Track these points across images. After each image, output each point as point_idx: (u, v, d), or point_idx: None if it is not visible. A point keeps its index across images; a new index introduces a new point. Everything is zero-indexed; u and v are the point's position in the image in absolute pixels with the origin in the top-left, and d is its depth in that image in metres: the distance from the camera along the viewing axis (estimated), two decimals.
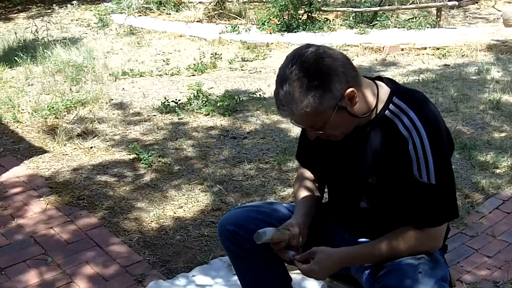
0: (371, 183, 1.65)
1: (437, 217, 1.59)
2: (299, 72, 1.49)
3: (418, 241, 1.60)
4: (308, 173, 1.92)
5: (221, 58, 6.53)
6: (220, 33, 7.62)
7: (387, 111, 1.60)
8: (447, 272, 1.61)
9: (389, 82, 1.67)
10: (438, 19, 7.69)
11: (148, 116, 4.73)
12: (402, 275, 1.54)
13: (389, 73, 5.70)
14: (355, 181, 1.68)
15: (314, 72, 1.49)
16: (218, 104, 4.78)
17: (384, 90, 1.63)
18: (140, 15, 8.88)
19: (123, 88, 5.44)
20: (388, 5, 8.36)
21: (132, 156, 3.91)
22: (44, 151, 4.04)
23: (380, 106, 1.61)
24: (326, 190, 1.93)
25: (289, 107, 1.51)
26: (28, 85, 5.52)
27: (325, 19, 8.03)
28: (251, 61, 6.50)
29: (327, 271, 1.65)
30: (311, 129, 1.58)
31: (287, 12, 7.82)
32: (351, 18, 8.06)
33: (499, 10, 8.41)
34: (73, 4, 9.62)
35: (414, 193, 1.57)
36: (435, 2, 7.81)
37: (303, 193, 1.87)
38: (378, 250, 1.61)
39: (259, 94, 5.15)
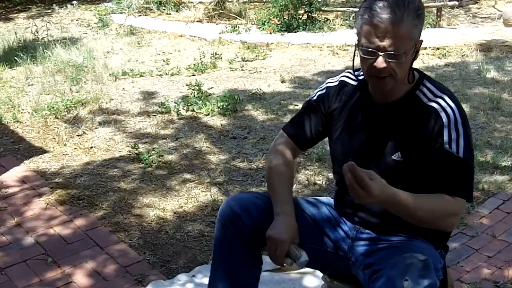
0: (395, 159, 1.67)
1: (464, 189, 1.64)
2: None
3: (452, 207, 1.61)
4: (287, 153, 1.88)
5: (221, 58, 6.52)
6: (220, 33, 7.61)
7: (417, 91, 1.69)
8: (436, 279, 1.58)
9: (418, 71, 1.77)
10: (438, 19, 7.68)
11: (148, 116, 4.73)
12: (388, 282, 1.53)
13: None
14: (376, 161, 1.67)
15: (421, 5, 1.60)
16: (218, 104, 4.78)
17: (416, 73, 1.72)
18: (140, 15, 8.87)
19: (123, 88, 5.44)
20: None
21: (132, 156, 3.92)
22: (44, 151, 4.04)
23: (410, 86, 1.70)
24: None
25: (398, 12, 1.54)
26: (28, 85, 5.52)
27: (325, 19, 8.02)
28: (251, 61, 6.50)
29: (379, 197, 1.51)
30: (393, 51, 1.57)
31: (287, 12, 7.81)
32: (351, 18, 8.05)
33: (499, 10, 8.40)
34: (73, 4, 9.60)
35: (443, 163, 1.61)
36: (435, 2, 7.80)
37: (284, 182, 1.83)
38: (420, 201, 1.59)
39: (259, 94, 5.15)
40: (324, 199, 1.99)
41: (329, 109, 1.84)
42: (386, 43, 1.56)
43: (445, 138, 1.62)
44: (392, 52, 1.57)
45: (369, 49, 1.58)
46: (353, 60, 1.76)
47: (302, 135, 1.89)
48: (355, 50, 1.67)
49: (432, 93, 1.69)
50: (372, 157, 1.70)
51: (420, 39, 1.63)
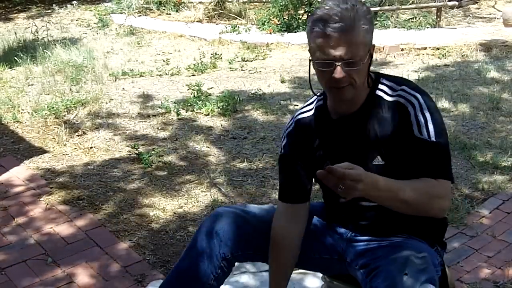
0: (377, 164, 1.66)
1: (444, 171, 1.64)
2: (356, 0, 1.58)
3: (436, 188, 1.60)
4: (289, 228, 1.83)
5: (221, 58, 6.52)
6: (220, 33, 7.62)
7: (377, 90, 1.69)
8: (434, 274, 1.59)
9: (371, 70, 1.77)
10: (438, 19, 7.68)
11: (148, 116, 4.73)
12: (388, 277, 1.54)
13: (389, 73, 5.69)
14: None
15: (369, 9, 1.60)
16: (218, 104, 4.78)
17: (372, 75, 1.72)
18: (140, 15, 8.87)
19: (123, 88, 5.44)
20: (388, 5, 8.35)
21: (132, 156, 3.92)
22: (44, 151, 4.04)
23: (369, 89, 1.70)
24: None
25: (348, 20, 1.53)
26: (28, 85, 5.52)
27: None
28: (251, 61, 6.50)
29: (366, 180, 1.48)
30: (349, 59, 1.55)
31: (287, 12, 7.82)
32: None
33: (499, 10, 8.40)
34: (73, 4, 9.60)
35: (418, 151, 1.61)
36: (435, 2, 7.80)
37: (278, 268, 1.85)
38: (402, 182, 1.58)
39: (259, 94, 5.15)
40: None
41: (300, 150, 1.80)
42: (341, 52, 1.54)
43: (414, 126, 1.62)
44: (349, 60, 1.55)
45: (326, 61, 1.56)
46: (309, 76, 1.70)
47: (297, 191, 1.83)
48: (309, 66, 1.64)
49: (392, 88, 1.68)
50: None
51: (373, 43, 1.62)
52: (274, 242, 1.83)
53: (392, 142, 1.65)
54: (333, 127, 1.74)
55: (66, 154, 4.02)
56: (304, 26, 7.70)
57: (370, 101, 1.68)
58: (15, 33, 7.49)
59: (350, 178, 1.46)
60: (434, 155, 1.62)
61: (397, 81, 1.71)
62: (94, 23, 8.56)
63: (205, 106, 4.76)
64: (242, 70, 6.15)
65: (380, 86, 1.70)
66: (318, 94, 1.81)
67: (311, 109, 1.81)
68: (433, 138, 1.61)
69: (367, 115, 1.68)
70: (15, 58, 6.23)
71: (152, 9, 9.10)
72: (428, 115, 1.62)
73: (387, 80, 1.72)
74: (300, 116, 1.83)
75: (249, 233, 1.83)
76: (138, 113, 4.79)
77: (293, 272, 1.99)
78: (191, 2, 9.13)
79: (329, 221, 1.88)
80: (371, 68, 1.70)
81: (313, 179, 1.84)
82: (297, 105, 4.86)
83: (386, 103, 1.67)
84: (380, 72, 1.78)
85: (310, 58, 1.62)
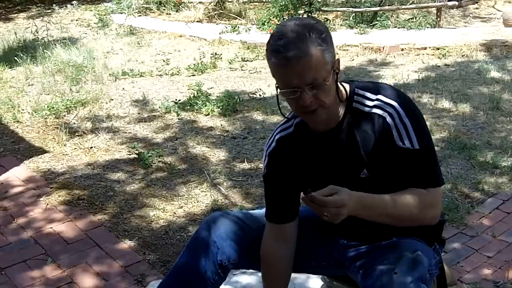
0: (364, 177, 1.65)
1: (432, 178, 1.63)
2: (308, 22, 1.55)
3: (426, 198, 1.61)
4: (277, 248, 1.81)
5: (221, 58, 6.52)
6: (220, 33, 7.61)
7: (354, 103, 1.66)
8: (426, 273, 1.59)
9: (347, 81, 1.74)
10: (438, 19, 7.68)
11: (148, 116, 4.73)
12: (379, 276, 1.54)
13: (389, 73, 5.70)
14: (347, 186, 1.62)
15: (323, 28, 1.56)
16: (218, 104, 4.78)
17: (345, 86, 1.69)
18: (140, 15, 8.86)
19: (123, 88, 5.44)
20: (388, 5, 8.35)
21: (132, 156, 3.92)
22: (44, 151, 4.04)
23: (345, 103, 1.67)
24: None
25: (301, 45, 1.50)
26: (28, 85, 5.52)
27: (325, 19, 8.02)
28: (251, 61, 6.50)
29: (350, 202, 1.51)
30: (312, 83, 1.53)
31: (287, 12, 7.81)
32: (351, 18, 8.06)
33: (499, 10, 8.40)
34: (73, 4, 9.59)
35: (404, 162, 1.60)
36: (435, 2, 7.80)
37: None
38: (391, 197, 1.59)
39: (259, 94, 5.15)
40: None
41: (284, 169, 1.77)
42: (302, 78, 1.52)
43: (395, 137, 1.60)
44: (311, 84, 1.53)
45: (290, 89, 1.55)
46: (278, 101, 1.67)
47: (283, 211, 1.81)
48: (277, 93, 1.62)
49: (368, 98, 1.65)
50: (342, 185, 1.62)
51: (336, 58, 1.60)
52: (264, 263, 1.83)
53: (376, 154, 1.63)
54: (315, 143, 1.71)
55: (66, 154, 4.02)
56: None
57: (349, 115, 1.66)
58: (15, 33, 7.48)
59: (332, 205, 1.47)
60: (420, 163, 1.61)
61: (373, 90, 1.67)
62: (94, 23, 8.55)
63: (205, 106, 4.76)
64: (242, 70, 6.15)
65: (356, 98, 1.66)
66: (289, 115, 1.78)
67: (290, 126, 1.77)
68: (416, 145, 1.59)
69: (347, 129, 1.66)
70: (15, 58, 6.23)
71: (152, 9, 9.09)
72: (407, 121, 1.60)
73: (362, 90, 1.67)
74: (280, 135, 1.78)
75: (245, 242, 1.82)
76: (138, 113, 4.79)
77: (293, 272, 1.99)
78: (191, 2, 9.12)
79: (325, 228, 1.87)
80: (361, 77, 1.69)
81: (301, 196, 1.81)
82: None
83: (364, 115, 1.64)
84: (354, 80, 1.75)
85: (277, 85, 1.60)
